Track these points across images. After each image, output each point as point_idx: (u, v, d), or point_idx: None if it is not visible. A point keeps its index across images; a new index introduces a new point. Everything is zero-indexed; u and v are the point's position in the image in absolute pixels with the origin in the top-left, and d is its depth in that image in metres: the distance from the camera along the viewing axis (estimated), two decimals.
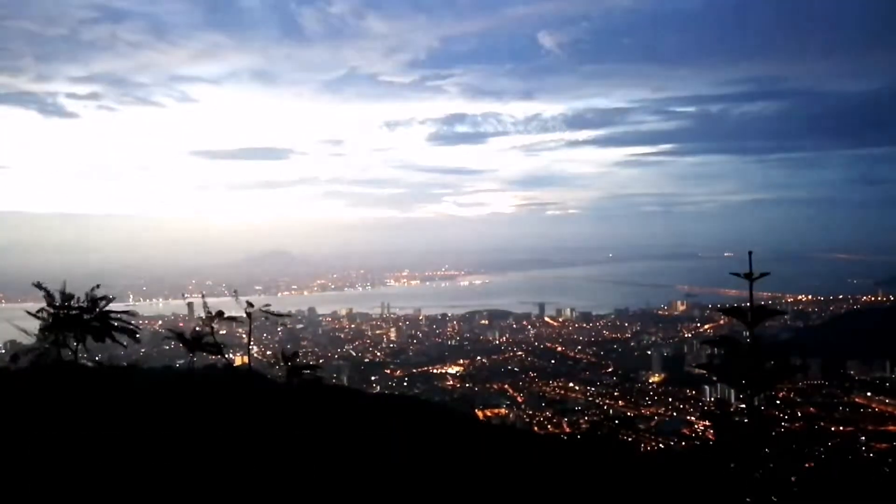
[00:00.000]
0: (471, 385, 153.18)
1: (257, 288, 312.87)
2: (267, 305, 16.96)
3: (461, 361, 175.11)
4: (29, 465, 10.30)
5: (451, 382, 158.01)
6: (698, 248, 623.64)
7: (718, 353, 10.42)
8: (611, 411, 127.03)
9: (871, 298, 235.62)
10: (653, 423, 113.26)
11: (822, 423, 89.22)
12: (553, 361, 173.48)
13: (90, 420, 11.74)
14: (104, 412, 12.19)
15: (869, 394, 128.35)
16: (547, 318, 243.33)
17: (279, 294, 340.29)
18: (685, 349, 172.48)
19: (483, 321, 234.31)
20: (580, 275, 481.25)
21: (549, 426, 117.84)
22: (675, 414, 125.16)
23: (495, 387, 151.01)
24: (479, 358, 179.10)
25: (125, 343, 13.91)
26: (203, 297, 16.19)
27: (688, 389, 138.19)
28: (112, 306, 14.08)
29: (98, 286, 13.39)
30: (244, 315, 16.32)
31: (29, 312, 13.21)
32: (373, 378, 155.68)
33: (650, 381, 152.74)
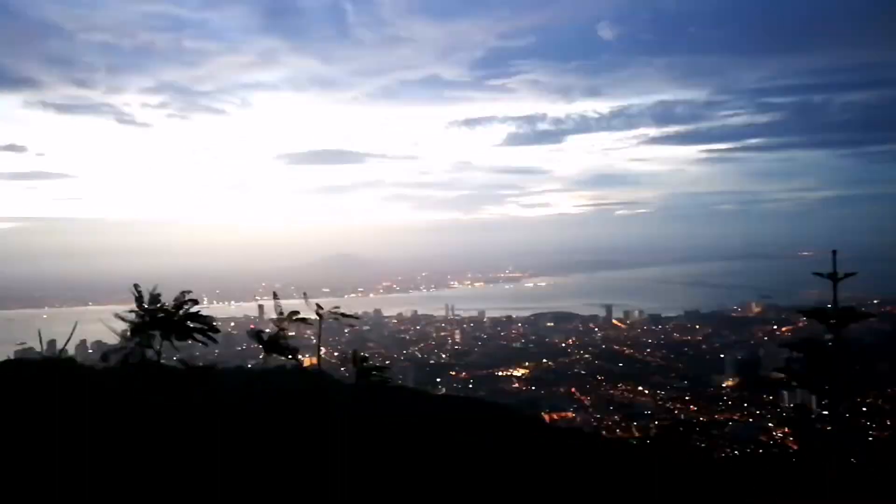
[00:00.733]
0: (536, 388, 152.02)
1: (325, 290, 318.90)
2: (336, 307, 17.30)
3: (526, 364, 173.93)
4: (125, 459, 10.84)
5: (516, 385, 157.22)
6: (774, 247, 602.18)
7: (799, 357, 10.05)
8: (682, 416, 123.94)
9: None
10: (727, 429, 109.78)
11: None
12: (620, 364, 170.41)
13: (181, 419, 12.27)
14: (192, 411, 12.71)
15: None
16: (614, 321, 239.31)
17: (345, 296, 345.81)
18: (760, 352, 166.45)
19: (548, 323, 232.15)
20: (649, 276, 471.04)
21: (617, 430, 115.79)
22: (750, 420, 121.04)
23: (561, 390, 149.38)
24: (544, 360, 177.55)
25: (207, 344, 14.43)
26: (276, 298, 16.63)
27: (764, 394, 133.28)
28: (193, 309, 14.65)
29: (190, 291, 13.97)
30: (314, 317, 16.70)
31: (118, 316, 13.88)
32: (437, 380, 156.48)
33: (723, 385, 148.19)
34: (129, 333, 13.60)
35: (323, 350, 19.85)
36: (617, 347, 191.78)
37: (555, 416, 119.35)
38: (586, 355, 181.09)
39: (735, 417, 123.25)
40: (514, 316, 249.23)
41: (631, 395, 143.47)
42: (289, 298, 17.30)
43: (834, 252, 9.22)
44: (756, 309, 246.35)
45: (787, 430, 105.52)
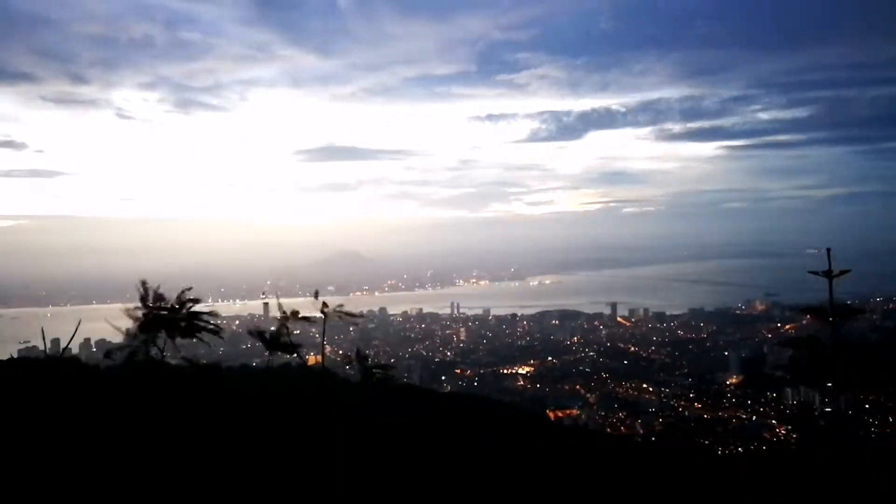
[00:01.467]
0: (541, 386, 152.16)
1: (330, 288, 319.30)
2: (340, 306, 17.35)
3: (532, 362, 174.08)
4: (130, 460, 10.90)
5: (521, 383, 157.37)
6: (781, 245, 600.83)
7: (800, 354, 10.07)
8: (686, 413, 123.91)
9: None
10: (731, 427, 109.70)
11: None
12: (625, 362, 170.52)
13: (187, 418, 12.33)
14: (197, 410, 12.77)
15: None
16: (619, 318, 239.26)
17: (351, 294, 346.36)
18: (764, 350, 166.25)
19: (553, 321, 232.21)
20: (654, 274, 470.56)
21: (622, 427, 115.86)
22: (754, 417, 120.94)
23: (567, 388, 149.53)
24: (549, 358, 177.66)
25: (210, 343, 14.50)
26: (278, 297, 16.69)
27: (768, 392, 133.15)
28: (196, 307, 14.71)
29: (191, 288, 14.03)
30: (318, 315, 16.75)
31: (126, 311, 13.93)
32: (443, 378, 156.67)
33: (727, 382, 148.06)
34: (133, 332, 13.68)
35: (328, 348, 19.91)
36: (622, 345, 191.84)
37: (559, 414, 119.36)
38: (591, 353, 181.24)
39: (739, 415, 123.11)
40: (519, 314, 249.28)
41: (636, 393, 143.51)
42: (294, 297, 17.39)
43: (829, 250, 9.25)
44: (760, 307, 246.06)
45: (790, 427, 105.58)
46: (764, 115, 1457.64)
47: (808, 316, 9.99)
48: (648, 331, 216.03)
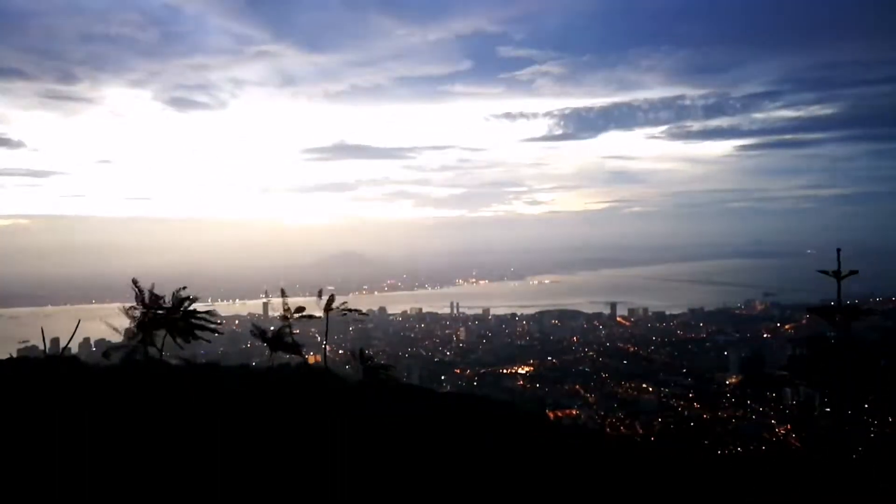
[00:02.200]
0: (541, 385, 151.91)
1: (330, 288, 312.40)
2: (344, 303, 17.33)
3: (531, 361, 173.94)
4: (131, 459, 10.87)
5: (520, 382, 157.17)
6: (781, 245, 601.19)
7: (801, 354, 10.03)
8: (686, 413, 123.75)
9: None
10: (730, 427, 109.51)
11: None
12: (625, 362, 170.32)
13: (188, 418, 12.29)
14: (196, 409, 12.73)
15: None
16: (619, 318, 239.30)
17: (350, 294, 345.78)
18: (764, 350, 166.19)
19: (553, 321, 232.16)
20: (655, 274, 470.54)
21: (621, 427, 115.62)
22: (754, 417, 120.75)
23: (566, 387, 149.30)
24: (549, 358, 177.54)
25: (210, 341, 14.48)
26: (283, 295, 16.68)
27: (767, 392, 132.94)
28: (193, 306, 14.68)
29: (185, 287, 14.01)
30: (320, 314, 16.74)
31: (123, 310, 13.91)
32: (442, 377, 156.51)
33: (727, 382, 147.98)
34: (132, 331, 13.66)
35: (328, 347, 19.88)
36: (621, 345, 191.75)
37: (559, 414, 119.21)
38: (591, 353, 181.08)
39: (738, 414, 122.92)
40: (518, 314, 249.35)
41: (635, 393, 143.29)
42: (294, 297, 17.34)
43: (839, 250, 9.23)
44: (760, 307, 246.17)
45: (789, 427, 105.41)
46: (755, 116, 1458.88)
47: (815, 316, 9.98)
48: (648, 330, 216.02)
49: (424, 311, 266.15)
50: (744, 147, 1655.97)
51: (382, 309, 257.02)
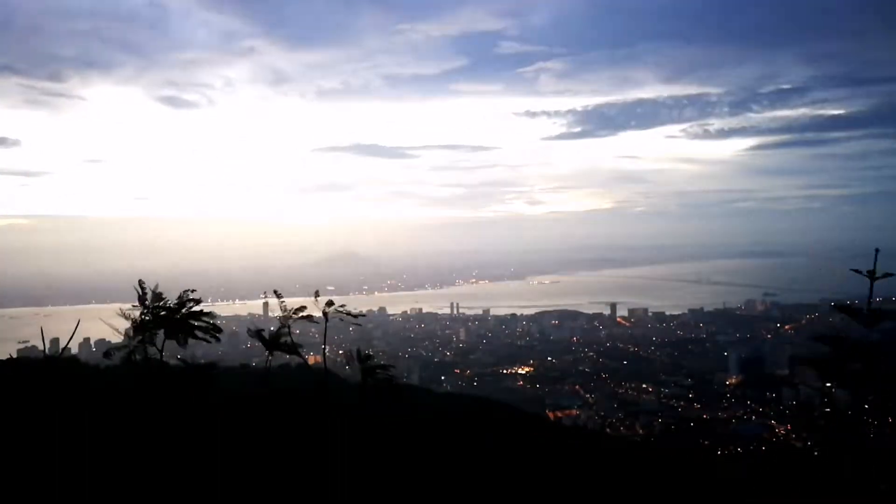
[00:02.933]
0: (541, 386, 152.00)
1: (330, 288, 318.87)
2: (343, 306, 17.29)
3: (531, 362, 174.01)
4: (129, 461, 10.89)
5: (520, 383, 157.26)
6: (784, 245, 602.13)
7: (802, 354, 10.04)
8: (686, 414, 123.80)
9: None
10: (730, 427, 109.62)
11: None
12: (625, 362, 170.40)
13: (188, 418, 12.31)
14: (197, 410, 12.75)
15: None
16: (619, 318, 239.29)
17: (350, 294, 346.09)
18: (764, 350, 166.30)
19: (553, 321, 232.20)
20: (655, 274, 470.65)
21: (621, 428, 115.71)
22: (754, 417, 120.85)
23: (566, 388, 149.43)
24: (549, 358, 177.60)
25: (210, 342, 14.47)
26: (280, 296, 16.63)
27: (767, 392, 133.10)
28: (196, 308, 14.67)
29: (194, 290, 14.01)
30: (320, 315, 16.71)
31: (122, 312, 13.90)
32: (442, 377, 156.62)
33: (727, 382, 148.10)
34: (132, 332, 13.65)
35: (328, 348, 19.87)
36: (621, 345, 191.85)
37: (559, 414, 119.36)
38: (591, 353, 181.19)
39: (738, 414, 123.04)
40: (518, 314, 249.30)
41: (635, 393, 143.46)
42: (293, 297, 17.32)
43: (877, 251, 9.23)
44: (760, 307, 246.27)
45: (790, 427, 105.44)
46: (758, 116, 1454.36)
47: (843, 314, 9.99)
48: (648, 331, 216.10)
49: (424, 311, 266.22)
50: (753, 147, 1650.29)
51: (382, 309, 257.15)
